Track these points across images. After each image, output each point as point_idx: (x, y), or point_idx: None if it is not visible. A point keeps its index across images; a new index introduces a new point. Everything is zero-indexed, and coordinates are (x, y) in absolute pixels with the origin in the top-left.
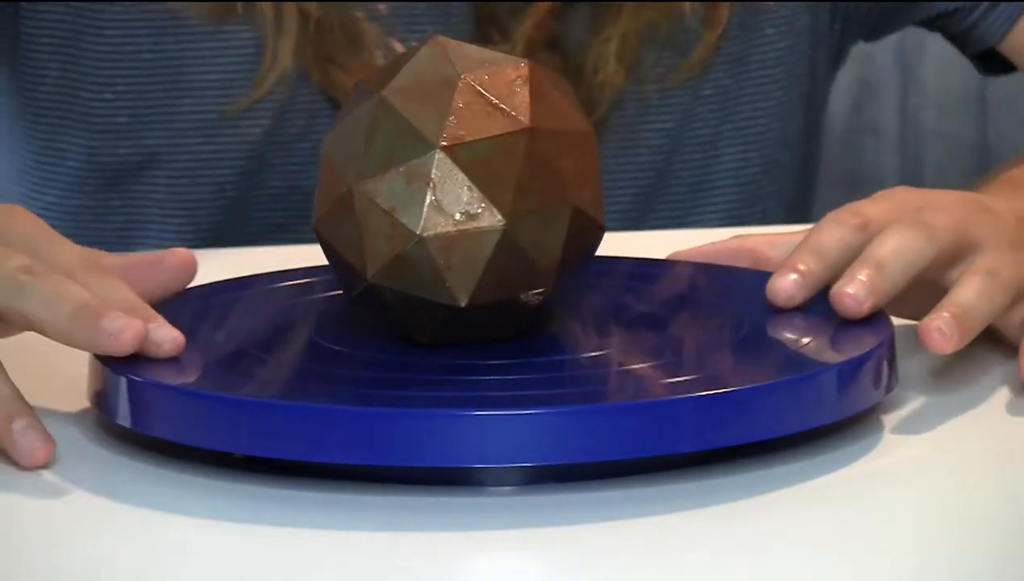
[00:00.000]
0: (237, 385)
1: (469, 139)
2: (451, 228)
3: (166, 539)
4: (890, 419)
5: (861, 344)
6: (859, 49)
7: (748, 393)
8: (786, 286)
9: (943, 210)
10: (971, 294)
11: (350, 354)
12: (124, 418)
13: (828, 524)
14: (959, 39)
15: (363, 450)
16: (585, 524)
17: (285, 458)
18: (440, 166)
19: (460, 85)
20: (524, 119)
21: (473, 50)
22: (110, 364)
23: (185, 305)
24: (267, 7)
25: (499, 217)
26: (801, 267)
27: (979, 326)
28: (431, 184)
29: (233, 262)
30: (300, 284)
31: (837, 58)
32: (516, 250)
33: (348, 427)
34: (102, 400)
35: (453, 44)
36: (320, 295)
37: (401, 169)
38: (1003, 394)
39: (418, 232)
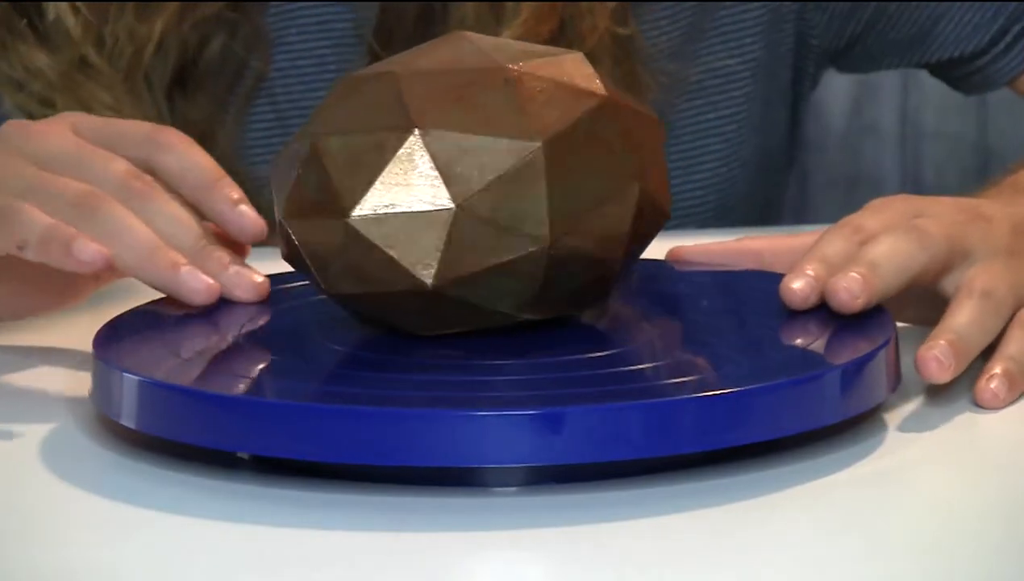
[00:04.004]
0: (239, 385)
1: (345, 131)
2: (303, 215)
3: (166, 539)
4: (893, 419)
5: (864, 345)
6: None
7: (751, 394)
8: (803, 287)
9: (937, 219)
10: (965, 320)
11: (351, 354)
12: (127, 417)
13: (831, 524)
14: (960, 81)
15: (364, 450)
16: (586, 525)
17: (286, 458)
18: (311, 153)
19: (388, 79)
20: (415, 119)
21: (471, 49)
22: (112, 364)
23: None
24: None
25: (345, 210)
26: (810, 272)
27: (975, 351)
28: (300, 170)
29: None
30: (301, 285)
31: (814, 77)
32: (367, 245)
33: (349, 427)
34: (103, 399)
35: (460, 39)
36: (321, 297)
37: (293, 153)
38: None
39: (278, 216)
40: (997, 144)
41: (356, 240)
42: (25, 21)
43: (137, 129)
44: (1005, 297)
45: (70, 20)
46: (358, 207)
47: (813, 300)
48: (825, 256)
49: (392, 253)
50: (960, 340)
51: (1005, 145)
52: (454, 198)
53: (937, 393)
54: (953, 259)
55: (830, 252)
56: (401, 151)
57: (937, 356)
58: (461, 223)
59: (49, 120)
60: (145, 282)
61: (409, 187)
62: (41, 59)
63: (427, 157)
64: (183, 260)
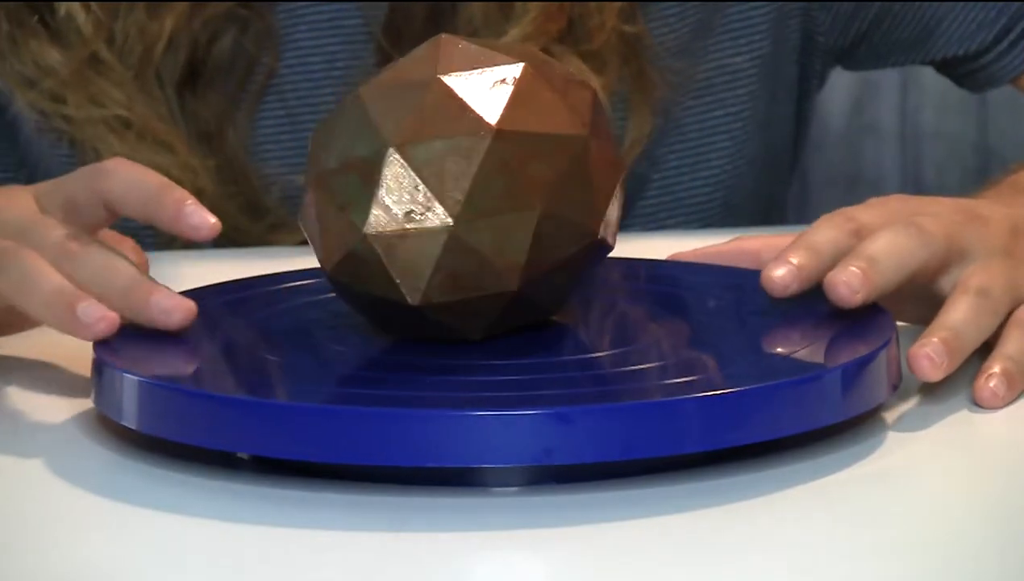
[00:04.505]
0: (240, 385)
1: (424, 139)
2: (395, 227)
3: (167, 539)
4: (893, 419)
5: (865, 345)
6: None
7: (752, 394)
8: (783, 275)
9: (935, 217)
10: (960, 317)
11: (352, 354)
12: (128, 418)
13: (831, 524)
14: (964, 77)
15: (364, 450)
16: (587, 525)
17: (287, 458)
18: (391, 165)
19: (433, 84)
20: (490, 121)
21: (472, 49)
22: (112, 364)
23: None
24: None
25: (447, 218)
26: (794, 260)
27: (969, 350)
28: (381, 182)
29: (238, 262)
30: (302, 285)
31: (820, 73)
32: (468, 251)
33: (349, 427)
34: (104, 400)
35: (454, 41)
36: (323, 296)
37: (356, 166)
38: None
39: (363, 230)
40: (997, 144)
41: (458, 247)
42: (36, 18)
43: (83, 170)
44: (1001, 296)
45: (80, 17)
46: (460, 214)
47: (794, 289)
48: (812, 244)
49: (489, 257)
50: (954, 338)
51: (1005, 145)
52: (539, 198)
53: (937, 393)
54: (951, 258)
55: (819, 240)
56: (486, 155)
57: (929, 354)
58: (543, 222)
59: (16, 188)
60: (56, 328)
61: (501, 190)
62: (52, 56)
63: (510, 159)
64: (81, 296)
